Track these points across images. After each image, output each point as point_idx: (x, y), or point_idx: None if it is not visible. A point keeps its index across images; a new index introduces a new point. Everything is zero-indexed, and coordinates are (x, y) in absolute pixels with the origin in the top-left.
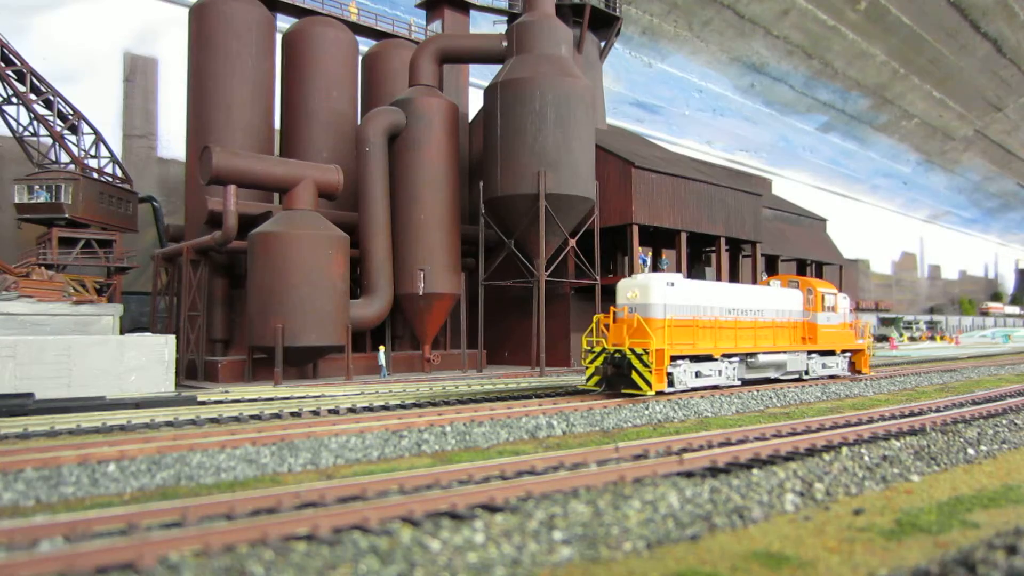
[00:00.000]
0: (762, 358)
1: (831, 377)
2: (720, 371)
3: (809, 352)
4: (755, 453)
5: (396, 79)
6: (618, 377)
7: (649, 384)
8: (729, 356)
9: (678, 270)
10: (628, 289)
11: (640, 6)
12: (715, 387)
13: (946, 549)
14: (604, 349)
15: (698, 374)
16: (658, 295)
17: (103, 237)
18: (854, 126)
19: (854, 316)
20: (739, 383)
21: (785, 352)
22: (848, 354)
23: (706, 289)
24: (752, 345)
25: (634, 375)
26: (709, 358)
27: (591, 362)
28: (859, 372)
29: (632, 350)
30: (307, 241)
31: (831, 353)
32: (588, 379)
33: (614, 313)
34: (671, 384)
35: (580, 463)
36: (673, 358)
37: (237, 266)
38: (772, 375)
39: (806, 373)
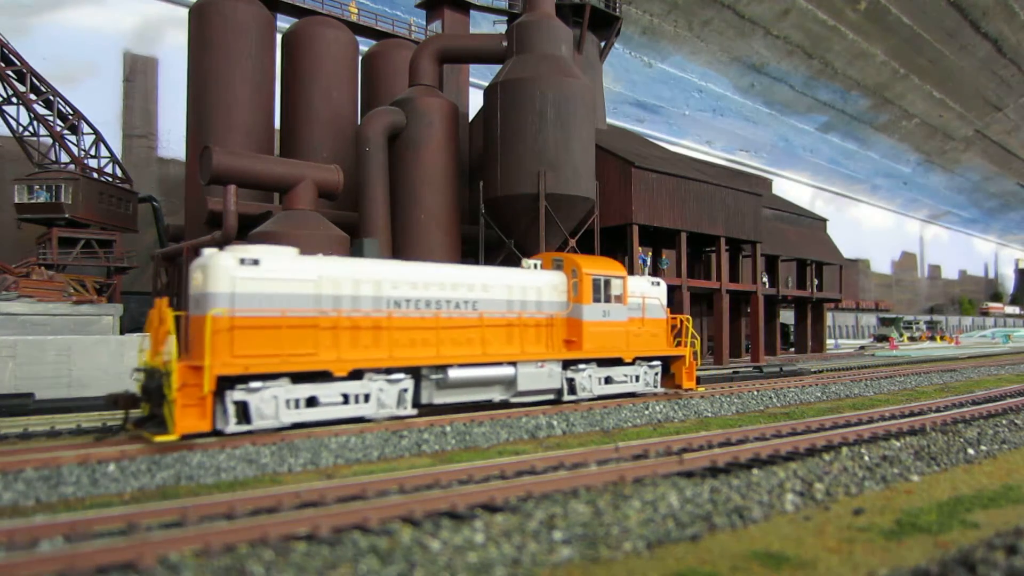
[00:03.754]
0: (458, 373)
1: (624, 396)
2: (360, 396)
3: (574, 361)
4: (755, 453)
5: (396, 79)
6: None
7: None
8: (392, 371)
9: (678, 270)
10: (195, 271)
11: (640, 6)
12: (348, 420)
13: (946, 549)
14: (146, 367)
15: (312, 401)
16: (223, 280)
17: (103, 237)
18: (854, 126)
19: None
20: (414, 413)
21: (515, 363)
22: (657, 363)
23: (353, 269)
24: (434, 354)
25: (166, 408)
26: (358, 375)
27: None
28: (679, 387)
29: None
30: (307, 241)
31: (618, 362)
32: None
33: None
34: (247, 419)
35: (580, 463)
36: (251, 378)
37: None
38: (491, 397)
39: (571, 391)
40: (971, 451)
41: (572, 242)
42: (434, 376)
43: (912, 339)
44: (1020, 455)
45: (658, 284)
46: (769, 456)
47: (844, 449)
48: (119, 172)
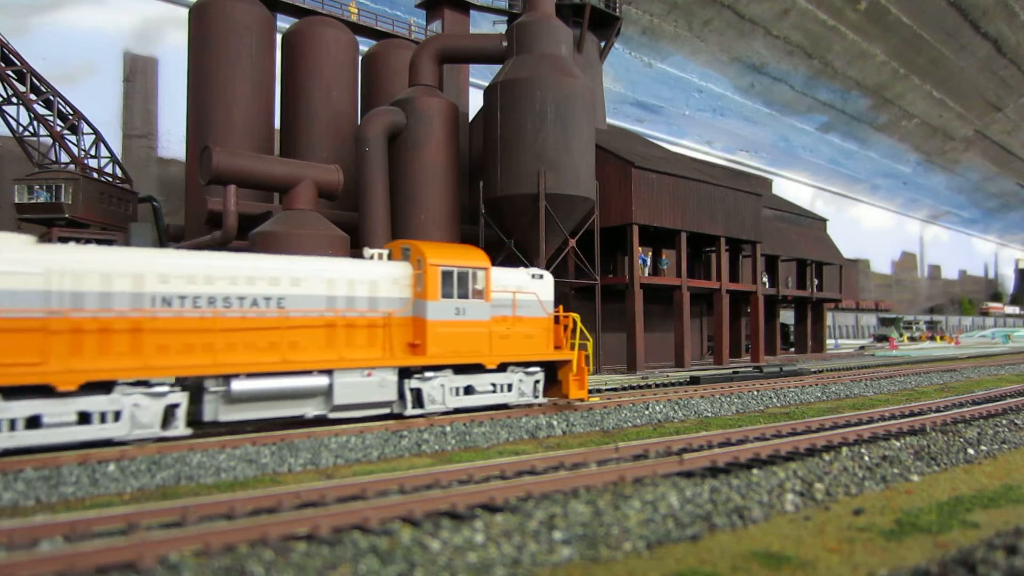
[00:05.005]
0: (245, 385)
1: (492, 409)
2: (108, 413)
3: (419, 369)
4: (755, 453)
5: (396, 79)
6: None
7: None
8: (153, 383)
9: (678, 270)
10: None
11: (640, 6)
12: (84, 444)
13: (946, 549)
14: None
15: (35, 422)
16: None
17: (103, 237)
18: (854, 126)
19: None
20: (186, 433)
21: (331, 371)
22: (537, 370)
23: (101, 260)
24: (212, 362)
25: None
26: (108, 388)
27: None
28: (566, 397)
29: None
30: (307, 241)
31: (481, 368)
32: None
33: None
34: None
35: (580, 463)
36: None
37: None
38: (303, 412)
39: (417, 403)
40: (971, 451)
41: (572, 242)
42: (216, 389)
43: (912, 339)
44: (1020, 455)
45: (541, 277)
46: (769, 456)
47: (844, 449)
48: (119, 172)
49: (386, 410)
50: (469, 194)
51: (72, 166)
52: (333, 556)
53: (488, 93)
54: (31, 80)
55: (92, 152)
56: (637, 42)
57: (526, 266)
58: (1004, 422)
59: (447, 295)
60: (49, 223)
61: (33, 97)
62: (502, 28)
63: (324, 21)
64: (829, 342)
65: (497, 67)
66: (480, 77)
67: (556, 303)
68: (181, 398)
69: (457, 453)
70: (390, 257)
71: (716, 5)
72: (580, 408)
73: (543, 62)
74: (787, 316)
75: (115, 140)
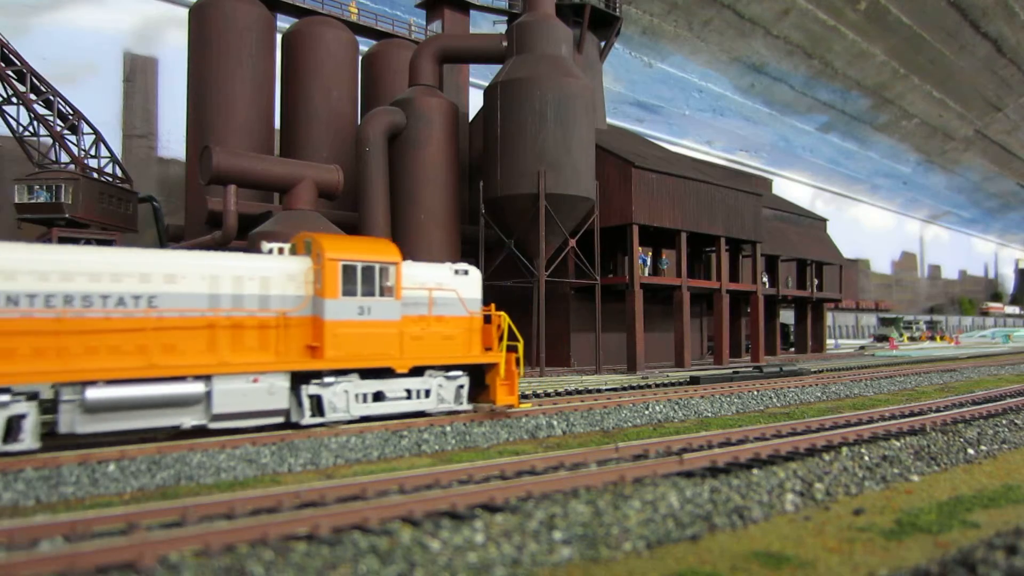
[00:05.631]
0: (101, 393)
1: (408, 416)
2: None
3: (317, 374)
4: (755, 453)
5: (396, 79)
6: None
7: None
8: None
9: (678, 270)
10: None
11: (640, 6)
12: None
13: (946, 549)
14: None
15: None
16: None
17: (103, 237)
18: (854, 126)
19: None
20: (33, 447)
21: (209, 377)
22: (460, 374)
23: None
24: (61, 368)
25: None
26: None
27: None
28: (493, 403)
29: None
30: None
31: (388, 372)
32: None
33: None
34: None
35: (580, 463)
36: None
37: None
38: (179, 422)
39: (318, 411)
40: (971, 451)
41: (572, 242)
42: (70, 398)
43: (912, 339)
44: (1020, 455)
45: (466, 273)
46: (769, 456)
47: (844, 449)
48: (119, 172)
49: (279, 419)
50: (469, 194)
51: (72, 166)
52: (333, 556)
53: (488, 93)
54: (31, 80)
55: (92, 152)
56: (637, 42)
57: (526, 266)
58: (1004, 422)
59: (349, 292)
60: (49, 223)
61: (33, 97)
62: (502, 28)
63: (324, 21)
64: (829, 342)
65: (497, 67)
66: (480, 77)
67: (487, 301)
68: (27, 408)
69: (457, 453)
70: (294, 251)
71: (716, 5)
72: (580, 408)
73: (543, 62)
74: (787, 316)
75: (115, 140)
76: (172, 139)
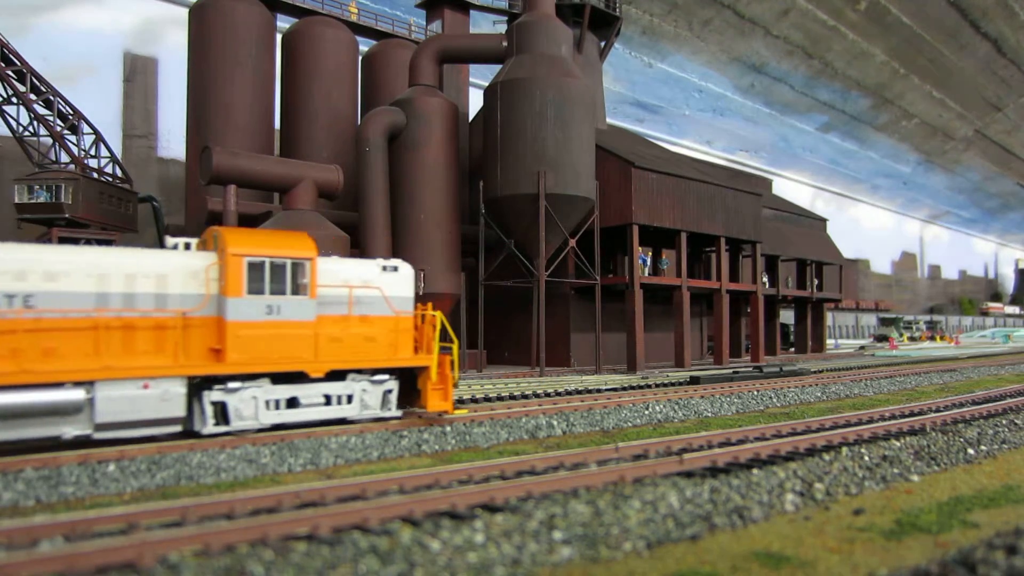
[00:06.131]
0: None
1: (333, 423)
2: None
3: (220, 379)
4: (755, 453)
5: (396, 79)
6: None
7: None
8: None
9: (678, 270)
10: None
11: (640, 6)
12: None
13: (946, 549)
14: None
15: None
16: None
17: (103, 237)
18: (854, 126)
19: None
20: None
21: (92, 383)
22: (386, 377)
23: None
24: None
25: None
26: None
27: None
28: (424, 408)
29: None
30: None
31: (299, 377)
32: None
33: None
34: None
35: (580, 463)
36: None
37: None
38: (59, 432)
39: (223, 419)
40: (971, 451)
41: (572, 242)
42: None
43: (912, 339)
44: (1020, 455)
45: (395, 270)
46: (769, 456)
47: (844, 449)
48: (119, 172)
49: (176, 428)
50: (469, 194)
51: (72, 166)
52: (333, 556)
53: (488, 93)
54: (31, 80)
55: (92, 152)
56: (637, 42)
57: (526, 266)
58: (1004, 422)
59: (256, 291)
60: (49, 223)
61: (33, 97)
62: (502, 28)
63: (324, 21)
64: (829, 342)
65: (497, 67)
66: (480, 77)
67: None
68: None
69: (457, 453)
70: (203, 246)
71: (716, 5)
72: (580, 408)
73: (543, 62)
74: (787, 316)
75: (115, 140)
76: (172, 139)
